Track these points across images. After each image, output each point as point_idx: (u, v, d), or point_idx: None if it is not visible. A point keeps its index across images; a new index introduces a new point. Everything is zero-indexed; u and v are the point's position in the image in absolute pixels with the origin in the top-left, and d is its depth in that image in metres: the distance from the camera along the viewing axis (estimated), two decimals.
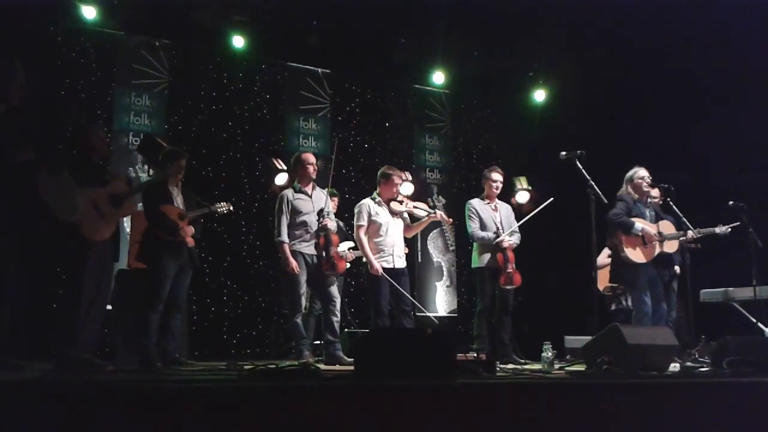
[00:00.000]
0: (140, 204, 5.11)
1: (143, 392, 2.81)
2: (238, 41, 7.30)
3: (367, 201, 5.81)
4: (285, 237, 5.48)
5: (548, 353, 4.59)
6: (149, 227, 4.90)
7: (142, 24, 7.01)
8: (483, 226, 5.94)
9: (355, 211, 5.81)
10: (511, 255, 5.84)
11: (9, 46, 5.74)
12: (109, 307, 4.95)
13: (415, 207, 5.86)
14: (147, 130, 6.90)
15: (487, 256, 5.88)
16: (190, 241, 4.98)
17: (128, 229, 6.34)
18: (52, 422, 2.53)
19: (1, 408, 2.55)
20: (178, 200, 5.05)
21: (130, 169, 6.78)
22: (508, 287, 5.82)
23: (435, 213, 5.86)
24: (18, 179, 3.73)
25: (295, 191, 5.62)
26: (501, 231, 5.88)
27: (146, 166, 6.78)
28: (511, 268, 5.81)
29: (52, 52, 6.65)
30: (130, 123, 6.97)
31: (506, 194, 6.55)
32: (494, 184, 6.06)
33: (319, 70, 8.03)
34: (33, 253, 4.74)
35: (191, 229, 5.01)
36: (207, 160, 7.21)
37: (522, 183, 6.78)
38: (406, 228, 5.91)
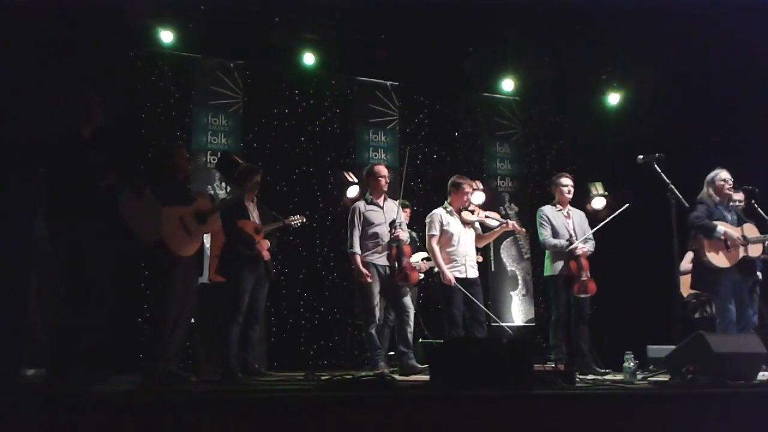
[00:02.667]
0: None
1: (226, 402, 2.90)
2: (309, 58, 7.45)
3: (438, 211, 5.82)
4: (357, 248, 5.54)
5: (630, 363, 4.47)
6: (227, 242, 5.05)
7: (217, 46, 7.26)
8: (555, 233, 5.83)
9: (427, 221, 5.83)
10: (585, 262, 5.71)
11: (91, 72, 6.07)
12: (191, 320, 5.12)
13: (486, 216, 5.82)
14: (223, 149, 7.13)
15: (559, 264, 5.77)
16: (266, 255, 5.10)
17: (208, 245, 6.56)
18: (144, 431, 2.65)
19: (95, 418, 2.68)
20: (254, 215, 5.20)
21: (209, 186, 7.01)
22: (583, 296, 5.69)
23: (507, 223, 5.81)
24: (102, 201, 3.90)
25: (367, 203, 5.69)
26: (574, 238, 5.77)
27: (224, 184, 7.00)
28: (585, 276, 5.67)
29: (132, 77, 6.98)
30: (208, 142, 7.22)
31: (580, 200, 6.41)
32: (565, 189, 5.95)
33: (388, 83, 8.11)
34: (120, 270, 4.97)
35: (267, 243, 5.14)
36: (281, 175, 7.38)
37: (597, 188, 6.62)
38: (478, 238, 5.88)
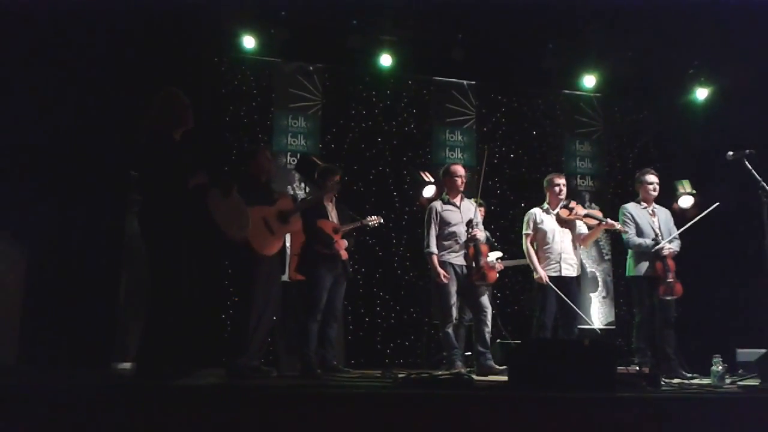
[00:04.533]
0: None
1: (306, 397, 2.97)
2: (386, 60, 7.51)
3: (534, 209, 5.81)
4: (434, 248, 5.55)
5: (718, 367, 4.30)
6: (307, 241, 5.16)
7: (297, 50, 7.44)
8: (640, 232, 5.65)
9: (524, 219, 5.83)
10: (671, 263, 5.50)
11: (180, 76, 6.33)
12: (274, 317, 5.25)
13: (586, 215, 5.70)
14: (303, 150, 7.29)
15: (644, 265, 5.58)
16: (344, 254, 5.19)
17: (288, 243, 6.72)
18: (228, 423, 2.75)
19: (182, 410, 2.81)
20: (333, 215, 5.29)
21: (289, 187, 7.18)
22: (669, 297, 5.49)
23: (606, 221, 5.67)
24: (193, 200, 4.05)
25: (444, 203, 5.69)
26: (660, 237, 5.57)
27: (303, 184, 7.16)
28: (671, 277, 5.47)
29: (216, 81, 7.25)
30: (288, 144, 7.40)
31: (667, 199, 6.19)
32: (650, 186, 5.76)
33: (465, 82, 8.08)
34: (206, 267, 5.15)
35: (345, 243, 5.22)
36: (358, 175, 7.48)
37: (685, 187, 6.35)
38: (580, 237, 5.78)
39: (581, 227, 5.76)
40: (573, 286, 5.65)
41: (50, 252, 5.98)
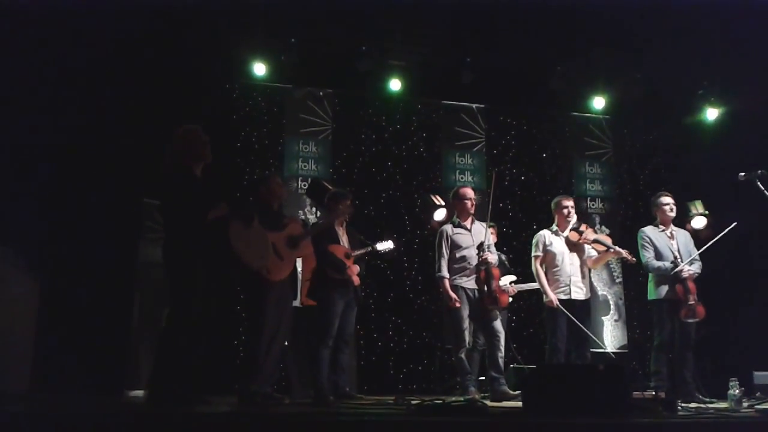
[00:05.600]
0: None
1: (319, 425, 2.95)
2: (395, 84, 7.57)
3: (544, 231, 5.80)
4: (445, 272, 5.52)
5: (735, 390, 4.25)
6: (318, 266, 5.16)
7: (307, 76, 7.52)
8: (659, 255, 5.62)
9: (533, 242, 5.81)
10: (692, 285, 5.46)
11: (193, 103, 6.43)
12: (285, 342, 5.24)
13: (595, 240, 5.67)
14: (314, 175, 7.33)
15: (665, 288, 5.55)
16: (356, 280, 5.17)
17: (299, 268, 6.73)
18: None
19: None
20: (344, 240, 5.29)
21: (300, 212, 7.21)
22: (690, 320, 5.44)
23: (615, 248, 5.63)
24: (213, 232, 4.16)
25: (454, 226, 5.67)
26: (679, 260, 5.53)
27: (314, 209, 7.18)
28: (692, 299, 5.42)
29: (228, 108, 7.32)
30: (299, 169, 7.44)
31: (680, 220, 6.16)
32: (666, 208, 5.74)
33: (474, 105, 8.11)
34: (218, 294, 5.17)
35: (357, 268, 5.21)
36: (369, 199, 7.51)
37: (698, 208, 6.32)
38: (589, 260, 5.75)
39: (590, 250, 5.73)
40: (583, 309, 5.61)
41: (63, 278, 6.01)
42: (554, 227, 5.78)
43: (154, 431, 2.85)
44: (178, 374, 3.96)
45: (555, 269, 5.62)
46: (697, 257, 5.64)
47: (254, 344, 4.70)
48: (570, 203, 5.79)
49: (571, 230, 5.68)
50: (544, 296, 5.58)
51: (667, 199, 5.76)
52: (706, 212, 6.27)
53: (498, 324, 5.47)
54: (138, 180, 6.02)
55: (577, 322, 5.44)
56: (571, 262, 5.64)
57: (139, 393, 5.63)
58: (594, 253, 5.73)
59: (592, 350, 5.93)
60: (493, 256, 5.56)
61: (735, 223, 5.53)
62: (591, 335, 5.57)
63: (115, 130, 6.30)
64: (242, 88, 7.46)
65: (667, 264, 5.53)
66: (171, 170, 4.15)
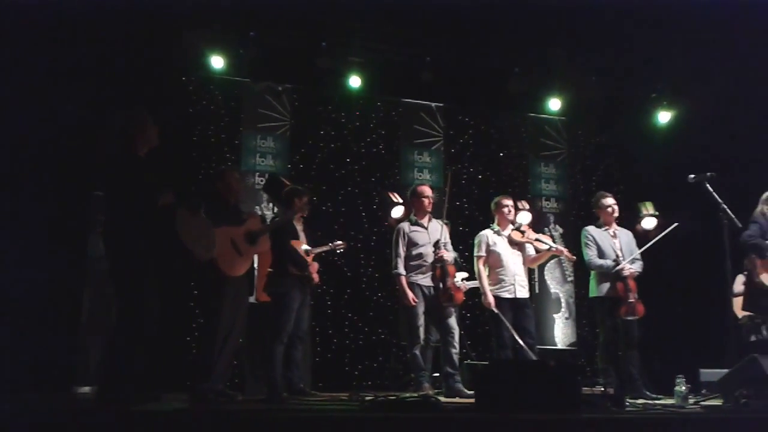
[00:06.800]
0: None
1: (272, 422, 2.93)
2: (355, 81, 7.55)
3: (486, 231, 5.82)
4: (402, 269, 5.55)
5: (682, 387, 4.37)
6: (278, 262, 5.10)
7: (266, 71, 7.44)
8: (601, 254, 5.74)
9: (475, 242, 5.82)
10: (632, 284, 5.57)
11: (147, 95, 6.29)
12: (240, 339, 5.19)
13: (537, 239, 5.76)
14: (271, 170, 7.25)
15: (606, 285, 5.66)
16: (316, 277, 5.15)
17: (256, 264, 6.66)
18: None
19: None
20: (303, 236, 5.27)
21: (257, 207, 7.14)
22: (630, 318, 5.55)
23: (556, 248, 5.73)
24: (160, 220, 4.03)
25: (412, 224, 5.70)
26: (621, 258, 5.65)
27: (271, 204, 7.12)
28: (632, 297, 5.53)
29: (184, 101, 7.20)
30: (256, 164, 7.37)
31: (630, 221, 6.30)
32: (608, 209, 5.86)
33: (433, 104, 8.15)
34: (171, 288, 5.08)
35: (316, 265, 5.19)
36: (327, 196, 7.47)
37: (648, 208, 6.47)
38: (529, 259, 5.82)
39: (530, 249, 5.81)
40: (527, 307, 5.68)
41: (9, 273, 5.83)
42: (495, 227, 5.81)
43: (103, 429, 2.79)
44: (130, 370, 3.88)
45: (500, 269, 5.66)
46: (639, 256, 5.76)
47: (208, 341, 4.64)
48: (510, 202, 5.83)
49: (513, 229, 5.74)
50: (483, 298, 5.61)
51: (609, 201, 5.88)
52: (657, 213, 6.42)
53: (453, 321, 5.52)
54: (87, 171, 5.86)
55: (505, 321, 5.45)
56: (515, 261, 5.70)
57: (88, 389, 5.51)
58: (533, 252, 5.81)
59: (540, 347, 5.99)
60: (449, 254, 5.60)
61: (676, 224, 5.68)
62: (515, 335, 5.46)
63: (65, 121, 6.12)
64: (199, 81, 7.33)
65: (609, 262, 5.64)
66: (114, 153, 4.02)
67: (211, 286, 4.67)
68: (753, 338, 6.31)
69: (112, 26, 6.34)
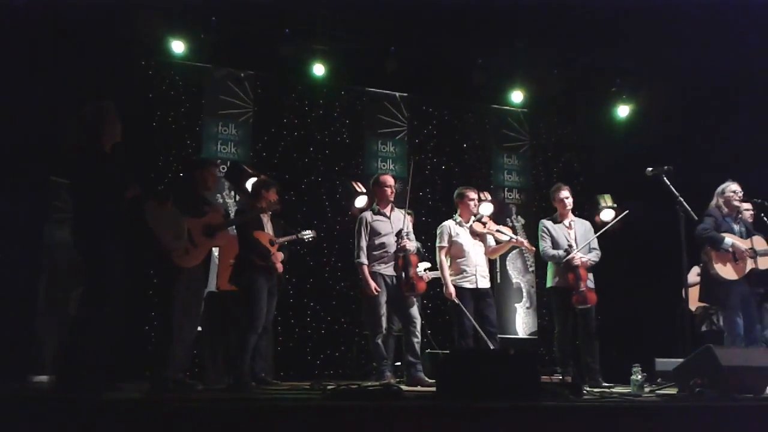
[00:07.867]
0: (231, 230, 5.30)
1: (233, 411, 2.91)
2: (319, 69, 7.50)
3: (448, 222, 5.84)
4: (364, 259, 5.54)
5: (638, 376, 4.46)
6: (243, 252, 5.04)
7: (228, 57, 7.34)
8: (555, 245, 5.82)
9: (437, 232, 5.84)
10: (583, 273, 5.64)
11: (103, 80, 6.15)
12: (199, 328, 5.13)
13: (498, 231, 5.81)
14: (233, 158, 7.17)
15: (559, 276, 5.76)
16: (280, 267, 5.10)
17: (216, 254, 6.58)
18: None
19: (104, 426, 2.70)
20: (268, 227, 5.21)
21: (218, 195, 7.04)
22: (581, 306, 5.62)
23: (516, 239, 5.80)
24: (127, 212, 4.03)
25: (374, 213, 5.70)
26: (574, 248, 5.74)
27: (233, 193, 7.04)
28: (583, 286, 5.60)
29: (144, 86, 7.05)
30: (218, 151, 7.27)
31: (589, 212, 6.42)
32: (564, 202, 5.94)
33: (397, 94, 8.15)
34: (131, 278, 5.00)
35: (281, 255, 5.14)
36: (290, 185, 7.41)
37: (606, 201, 6.60)
38: (489, 250, 5.87)
39: (490, 240, 5.87)
40: (488, 297, 5.73)
41: None
42: (457, 218, 5.85)
43: (62, 419, 2.73)
44: (89, 359, 3.83)
45: (462, 259, 5.70)
46: (596, 246, 5.86)
47: (163, 330, 4.61)
48: (476, 196, 5.85)
49: (475, 220, 5.79)
50: (444, 288, 5.65)
51: (564, 193, 5.95)
52: (615, 205, 6.54)
53: (415, 310, 5.54)
54: (44, 158, 5.71)
55: (467, 312, 5.50)
56: (476, 251, 5.75)
57: (44, 378, 5.39)
58: (494, 243, 5.87)
59: (500, 336, 6.06)
60: (411, 244, 5.61)
61: (627, 211, 5.81)
62: (475, 325, 5.53)
63: (22, 106, 5.94)
64: (159, 66, 7.19)
65: (561, 252, 5.71)
66: (81, 149, 3.98)
67: (162, 277, 4.62)
68: (705, 328, 6.50)
69: (71, 7, 6.16)
